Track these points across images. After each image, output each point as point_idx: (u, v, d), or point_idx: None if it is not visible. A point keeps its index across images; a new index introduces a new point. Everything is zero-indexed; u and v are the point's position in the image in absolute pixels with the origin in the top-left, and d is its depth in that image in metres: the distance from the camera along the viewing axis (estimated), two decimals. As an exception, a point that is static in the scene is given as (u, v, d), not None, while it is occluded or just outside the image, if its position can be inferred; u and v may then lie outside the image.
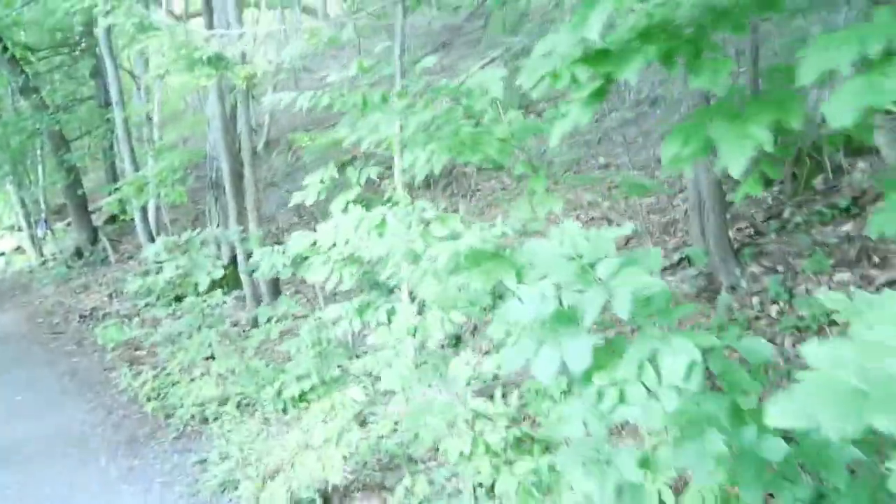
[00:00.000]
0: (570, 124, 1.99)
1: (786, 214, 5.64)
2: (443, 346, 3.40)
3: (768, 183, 6.30)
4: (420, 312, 3.71)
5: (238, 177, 8.96)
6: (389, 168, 9.49)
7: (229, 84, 9.00)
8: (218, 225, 10.43)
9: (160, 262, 6.52)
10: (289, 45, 3.24)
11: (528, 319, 2.06)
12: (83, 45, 13.70)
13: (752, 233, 5.68)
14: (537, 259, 2.20)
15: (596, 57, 1.79)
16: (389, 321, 3.55)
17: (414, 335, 3.28)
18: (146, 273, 10.77)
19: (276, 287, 9.31)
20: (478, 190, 9.81)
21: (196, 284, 6.04)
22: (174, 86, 16.58)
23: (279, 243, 10.67)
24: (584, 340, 1.98)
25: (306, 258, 4.75)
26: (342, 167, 4.64)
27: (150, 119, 13.48)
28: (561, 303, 2.07)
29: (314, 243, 3.38)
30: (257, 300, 8.86)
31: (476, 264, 2.14)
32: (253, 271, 6.19)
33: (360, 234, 3.01)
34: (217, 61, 3.52)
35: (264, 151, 15.32)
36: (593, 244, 2.34)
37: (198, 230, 7.08)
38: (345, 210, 3.27)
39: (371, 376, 4.16)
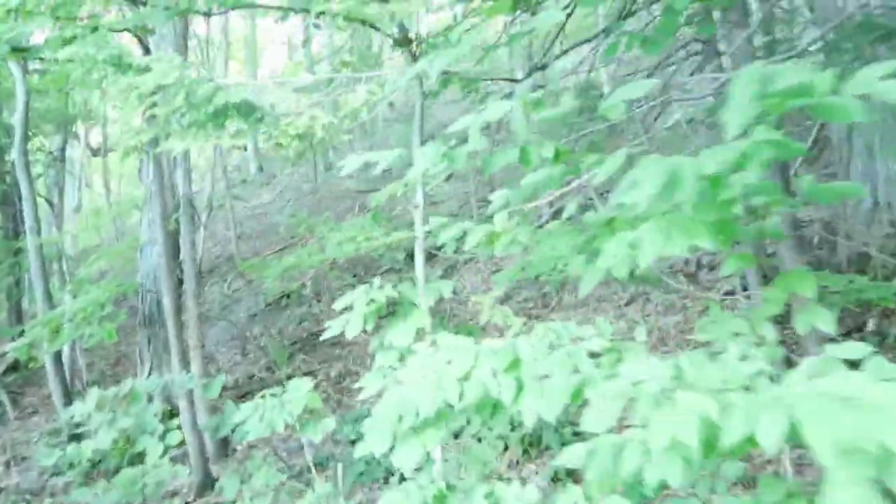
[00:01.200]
0: None
1: (871, 326, 4.80)
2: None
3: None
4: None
5: (179, 311, 7.54)
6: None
7: (172, 204, 7.81)
8: (151, 369, 8.78)
9: (81, 426, 4.97)
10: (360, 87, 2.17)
11: None
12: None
13: (834, 348, 4.77)
14: None
15: None
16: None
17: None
18: (56, 432, 8.85)
19: (224, 443, 7.66)
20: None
21: (139, 454, 4.54)
22: (90, 222, 15.07)
23: (228, 388, 8.97)
24: None
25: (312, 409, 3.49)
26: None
27: (60, 257, 11.98)
28: None
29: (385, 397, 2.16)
30: (203, 460, 7.17)
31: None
32: (217, 428, 4.75)
33: (480, 380, 1.83)
34: (249, 111, 2.41)
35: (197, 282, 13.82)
36: None
37: (132, 378, 5.59)
38: (433, 344, 2.10)
39: None
